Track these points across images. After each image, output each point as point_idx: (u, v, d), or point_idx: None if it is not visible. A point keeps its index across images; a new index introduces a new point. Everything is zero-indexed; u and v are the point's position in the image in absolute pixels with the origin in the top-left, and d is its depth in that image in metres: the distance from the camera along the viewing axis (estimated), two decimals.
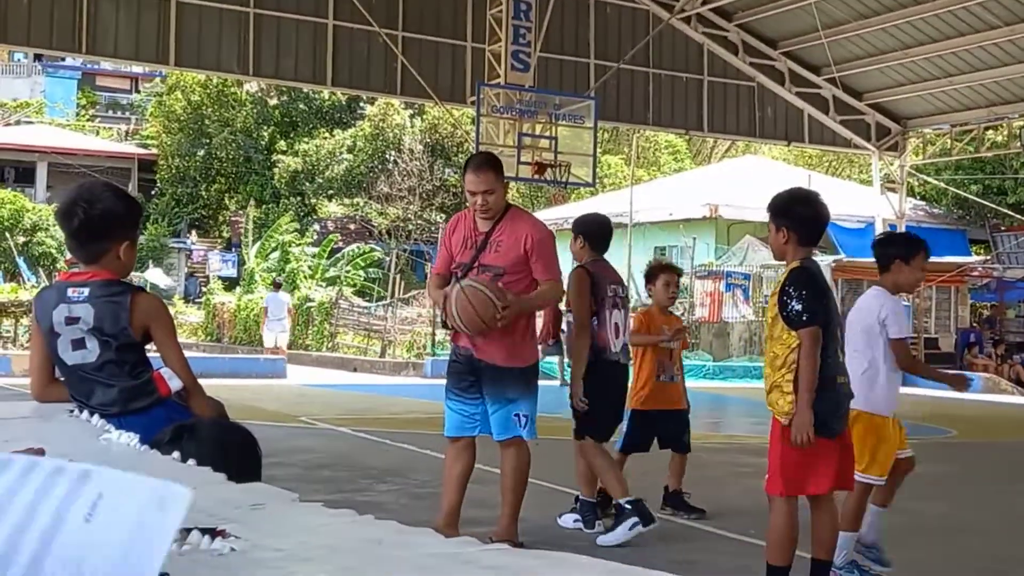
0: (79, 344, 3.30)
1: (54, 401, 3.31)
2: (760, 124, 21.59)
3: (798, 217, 4.81)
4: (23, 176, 40.99)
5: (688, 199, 26.93)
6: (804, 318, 4.46)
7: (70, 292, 3.32)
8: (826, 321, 4.52)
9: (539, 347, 6.07)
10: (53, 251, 31.45)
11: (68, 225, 3.30)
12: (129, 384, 3.26)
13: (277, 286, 23.44)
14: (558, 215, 31.11)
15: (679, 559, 5.75)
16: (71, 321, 3.29)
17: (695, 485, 7.27)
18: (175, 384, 3.31)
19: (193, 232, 39.22)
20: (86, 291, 3.29)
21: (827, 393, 4.45)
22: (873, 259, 5.44)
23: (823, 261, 24.01)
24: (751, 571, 5.59)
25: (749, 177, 28.84)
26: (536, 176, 17.70)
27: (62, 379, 3.41)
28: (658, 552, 5.86)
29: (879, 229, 23.16)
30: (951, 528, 7.08)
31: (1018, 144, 20.77)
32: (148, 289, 17.26)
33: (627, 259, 24.64)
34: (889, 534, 6.68)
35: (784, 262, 4.80)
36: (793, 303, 4.49)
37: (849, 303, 25.11)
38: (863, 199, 25.85)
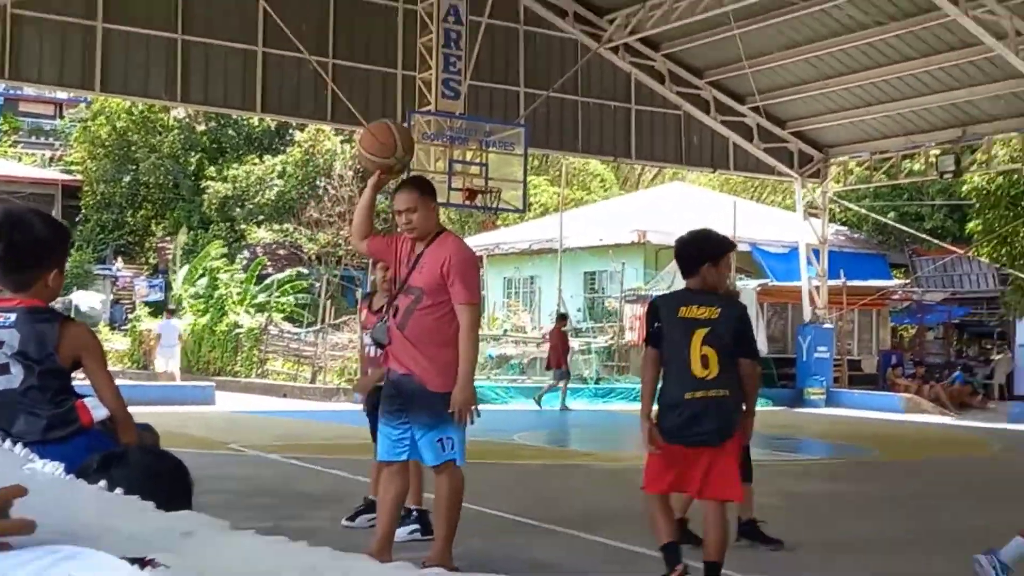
0: (3, 369, 3.27)
1: None
2: (687, 151, 21.93)
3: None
4: None
5: (617, 225, 27.24)
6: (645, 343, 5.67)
7: None
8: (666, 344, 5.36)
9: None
10: None
11: None
12: (50, 412, 3.23)
13: (170, 313, 24.97)
14: (489, 241, 31.29)
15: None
16: None
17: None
18: (99, 413, 3.28)
19: (119, 258, 38.57)
20: (12, 316, 3.26)
21: (671, 408, 5.27)
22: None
23: (749, 285, 24.43)
24: None
25: (676, 203, 29.29)
26: (467, 202, 17.76)
27: None
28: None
29: (803, 254, 23.64)
30: (877, 547, 7.24)
31: (934, 172, 21.35)
32: (73, 314, 16.90)
33: (557, 283, 24.84)
34: (812, 553, 6.82)
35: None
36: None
37: (774, 325, 25.64)
38: (787, 225, 26.35)
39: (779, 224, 27.84)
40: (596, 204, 35.50)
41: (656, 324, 5.47)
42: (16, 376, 3.26)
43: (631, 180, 41.88)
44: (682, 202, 29.48)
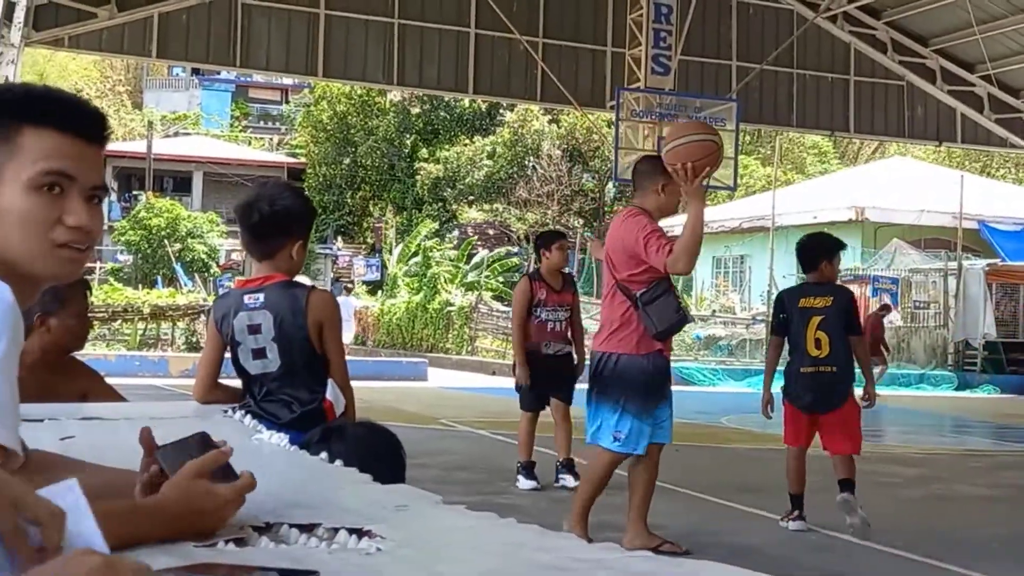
0: (260, 353, 3.41)
1: (214, 404, 3.42)
2: (909, 124, 20.86)
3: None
4: (180, 185, 42.83)
5: (833, 201, 26.26)
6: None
7: (246, 299, 3.43)
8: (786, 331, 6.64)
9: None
10: (205, 257, 32.70)
11: (248, 220, 3.39)
12: (302, 411, 3.35)
13: (347, 291, 28.32)
14: None
15: (830, 571, 5.62)
16: (253, 330, 3.40)
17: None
18: (339, 407, 3.40)
19: (339, 238, 40.21)
20: (261, 296, 3.40)
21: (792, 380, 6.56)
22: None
23: (976, 265, 23.10)
24: None
25: (896, 179, 27.99)
26: None
27: (225, 382, 3.55)
28: (806, 562, 5.74)
29: None
30: None
31: None
32: None
33: (769, 263, 24.20)
34: None
35: None
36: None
37: (1004, 307, 24.17)
38: (1020, 200, 24.75)
39: (1011, 199, 26.18)
40: (811, 180, 34.38)
41: (782, 315, 6.65)
42: (273, 360, 3.39)
43: (848, 155, 40.33)
44: (903, 177, 28.15)
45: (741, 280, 28.56)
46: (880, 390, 12.14)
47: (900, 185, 26.79)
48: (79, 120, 1.39)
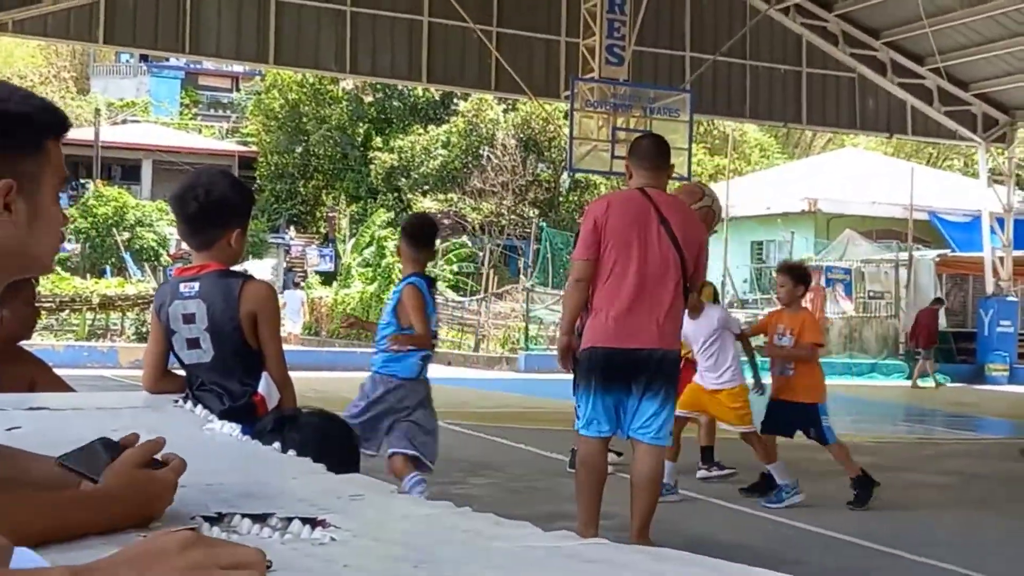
0: (194, 343, 3.35)
1: (164, 393, 3.36)
2: (861, 116, 21.09)
3: None
4: (129, 173, 42.27)
5: (786, 193, 26.53)
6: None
7: (182, 288, 3.37)
8: None
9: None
10: (155, 245, 32.31)
11: (184, 210, 3.33)
12: (231, 404, 3.28)
13: (296, 284, 30.07)
14: None
15: (785, 558, 5.66)
16: (187, 319, 3.34)
17: (801, 480, 7.14)
18: (272, 401, 3.33)
19: (291, 228, 39.94)
20: (196, 285, 3.34)
21: None
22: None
23: (927, 255, 23.44)
24: (849, 571, 5.49)
25: (848, 170, 28.31)
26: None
27: (176, 371, 3.49)
28: (763, 549, 5.77)
29: (986, 223, 22.50)
30: None
31: None
32: None
33: (723, 254, 24.37)
34: (993, 537, 6.49)
35: None
36: None
37: (954, 297, 24.53)
38: (968, 192, 25.13)
39: (959, 191, 26.58)
40: (764, 171, 34.68)
41: None
42: (206, 351, 3.34)
43: (801, 146, 40.71)
44: (855, 169, 28.49)
45: None
46: (832, 380, 12.27)
47: (852, 176, 27.11)
48: (67, 126, 1.56)
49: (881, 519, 6.83)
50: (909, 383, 20.80)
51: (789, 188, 27.06)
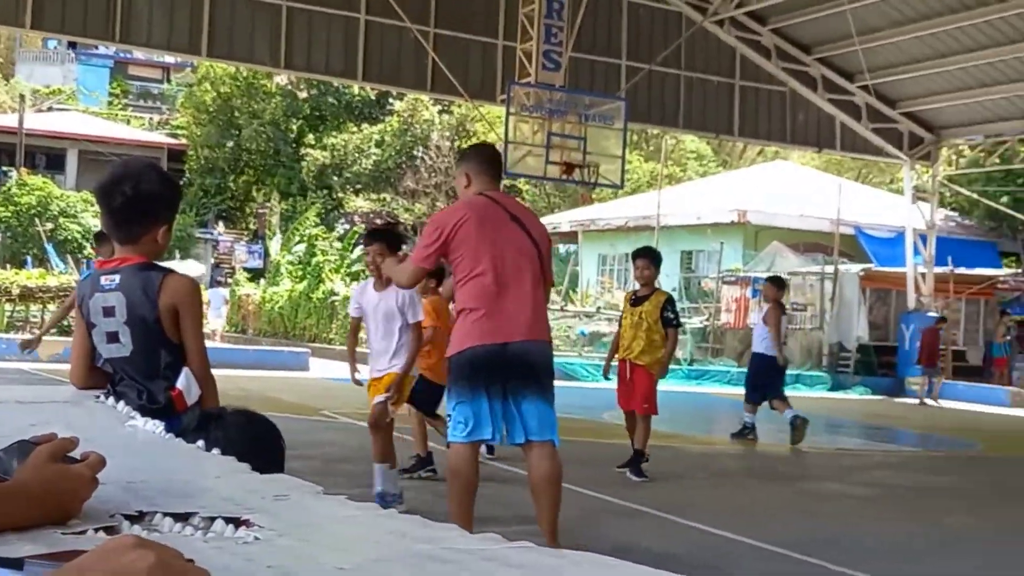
0: (113, 337, 3.28)
1: (92, 389, 3.28)
2: (791, 130, 21.45)
3: None
4: (53, 163, 41.36)
5: (717, 204, 26.85)
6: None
7: (103, 280, 3.29)
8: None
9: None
10: (78, 237, 31.67)
11: (110, 202, 3.23)
12: (149, 399, 3.22)
13: (218, 282, 30.19)
14: (584, 216, 31.16)
15: (708, 565, 5.71)
16: (107, 312, 3.27)
17: (721, 488, 7.21)
18: (192, 397, 3.27)
19: (220, 223, 39.45)
20: (117, 278, 3.27)
21: None
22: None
23: (851, 269, 23.89)
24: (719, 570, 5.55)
25: (778, 183, 28.75)
26: (564, 176, 17.66)
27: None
28: (685, 556, 5.82)
29: (909, 239, 23.01)
30: (978, 542, 7.00)
31: None
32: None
33: None
34: (912, 547, 6.62)
35: None
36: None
37: (876, 312, 25.04)
38: (893, 208, 25.67)
39: (885, 207, 27.15)
40: (695, 182, 35.07)
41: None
42: (125, 345, 3.27)
43: (732, 158, 41.27)
44: (784, 182, 28.94)
45: (626, 278, 28.98)
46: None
47: (781, 189, 27.54)
48: None
49: (803, 529, 6.94)
50: (833, 394, 21.19)
51: (719, 199, 27.40)
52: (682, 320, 24.32)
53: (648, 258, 8.89)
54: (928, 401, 20.35)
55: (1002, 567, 6.30)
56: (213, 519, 1.35)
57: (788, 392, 21.01)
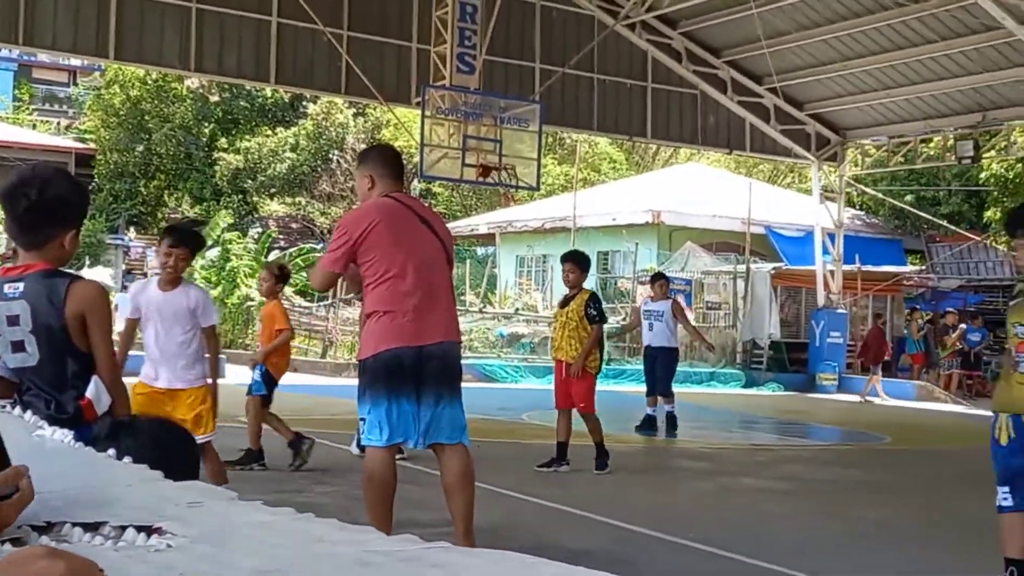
0: (19, 346, 3.20)
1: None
2: (702, 132, 21.77)
3: None
4: None
5: (631, 205, 27.13)
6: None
7: (6, 288, 3.22)
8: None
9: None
10: None
11: (14, 207, 3.15)
12: (57, 408, 3.15)
13: (125, 288, 28.83)
14: (501, 218, 31.23)
15: (624, 560, 5.77)
16: (11, 321, 3.19)
17: (638, 485, 7.30)
18: (102, 406, 3.21)
19: (131, 229, 38.67)
20: (21, 286, 3.19)
21: None
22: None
23: (763, 268, 24.34)
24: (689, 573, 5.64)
25: (691, 184, 29.16)
26: (481, 179, 17.69)
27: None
28: (603, 553, 5.88)
29: (818, 238, 23.51)
30: (888, 534, 7.18)
31: (952, 156, 21.18)
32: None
33: None
34: (825, 540, 6.78)
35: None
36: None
37: (788, 309, 25.54)
38: (802, 208, 26.21)
39: (794, 207, 27.71)
40: (610, 183, 35.37)
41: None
42: (32, 354, 3.20)
43: (645, 160, 41.72)
44: (697, 183, 29.36)
45: (543, 279, 29.12)
46: (673, 388, 12.96)
47: (694, 190, 27.93)
48: None
49: (719, 523, 7.06)
50: (746, 391, 21.57)
51: (634, 200, 27.69)
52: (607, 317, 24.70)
53: (573, 261, 9.29)
54: (871, 399, 20.69)
55: (914, 559, 6.48)
56: (124, 528, 1.33)
57: (704, 389, 21.40)
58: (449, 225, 33.90)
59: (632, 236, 25.66)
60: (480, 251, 33.51)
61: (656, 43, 20.78)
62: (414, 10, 18.35)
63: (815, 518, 7.59)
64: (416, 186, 33.48)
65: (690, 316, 12.78)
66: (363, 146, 33.57)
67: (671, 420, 12.54)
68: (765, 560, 5.84)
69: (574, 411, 9.05)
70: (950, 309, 24.75)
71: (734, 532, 6.75)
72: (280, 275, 9.43)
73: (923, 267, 27.96)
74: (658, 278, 13.95)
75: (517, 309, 26.00)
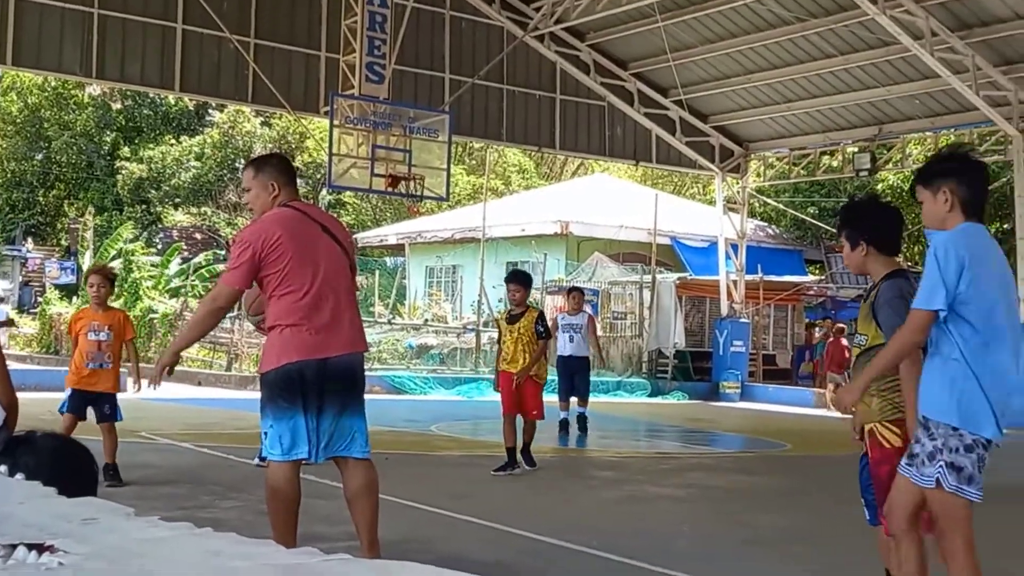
0: None
1: None
2: (610, 143, 22.04)
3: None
4: None
5: (540, 216, 27.28)
6: None
7: None
8: None
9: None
10: None
11: None
12: None
13: (1, 300, 29.68)
14: (411, 229, 31.12)
15: (532, 571, 5.80)
16: None
17: (547, 494, 7.33)
18: None
19: (29, 239, 37.60)
20: None
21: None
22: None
23: (668, 278, 24.68)
24: None
25: (599, 195, 29.45)
26: (389, 189, 17.64)
27: None
28: (512, 564, 5.90)
29: (722, 248, 23.94)
30: (787, 539, 7.34)
31: (851, 168, 21.78)
32: None
33: (480, 273, 24.81)
34: (726, 546, 6.90)
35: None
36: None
37: (692, 319, 25.95)
38: (707, 219, 26.65)
39: (699, 218, 28.16)
40: (519, 194, 35.52)
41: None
42: None
43: (553, 171, 42.01)
44: (604, 194, 29.65)
45: (453, 290, 29.11)
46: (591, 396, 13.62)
47: (602, 201, 28.20)
48: None
49: (625, 532, 7.13)
50: (652, 399, 21.84)
51: (543, 211, 27.85)
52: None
53: (517, 282, 10.03)
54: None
55: (813, 561, 6.63)
56: (14, 546, 1.31)
57: (611, 399, 21.66)
58: (358, 235, 33.43)
59: (541, 247, 25.80)
60: (389, 262, 33.35)
61: (565, 55, 20.98)
62: (323, 19, 18.25)
63: (717, 524, 7.71)
64: (324, 195, 33.22)
65: (598, 327, 13.47)
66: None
67: (583, 420, 13.35)
68: (668, 567, 5.92)
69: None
70: (818, 320, 25.57)
71: (638, 539, 6.82)
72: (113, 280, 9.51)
73: (823, 277, 28.65)
74: (574, 291, 14.54)
75: (426, 320, 25.94)
